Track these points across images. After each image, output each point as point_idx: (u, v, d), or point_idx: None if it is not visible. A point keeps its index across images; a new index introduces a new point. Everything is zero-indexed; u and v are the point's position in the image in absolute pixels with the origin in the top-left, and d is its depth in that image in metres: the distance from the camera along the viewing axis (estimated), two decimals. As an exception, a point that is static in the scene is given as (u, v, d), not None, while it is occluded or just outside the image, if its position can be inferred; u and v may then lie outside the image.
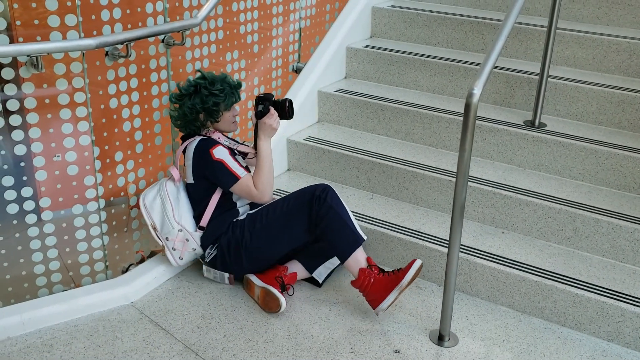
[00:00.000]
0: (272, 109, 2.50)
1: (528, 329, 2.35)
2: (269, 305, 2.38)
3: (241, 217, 2.50)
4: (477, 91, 1.95)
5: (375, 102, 3.32)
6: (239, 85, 2.55)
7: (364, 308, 2.44)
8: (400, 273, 2.30)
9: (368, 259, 2.37)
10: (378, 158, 3.05)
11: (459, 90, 3.37)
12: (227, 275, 2.53)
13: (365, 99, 3.35)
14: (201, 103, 2.48)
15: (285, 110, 2.54)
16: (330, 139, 3.28)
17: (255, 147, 2.54)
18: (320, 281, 2.55)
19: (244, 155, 2.64)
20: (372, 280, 2.30)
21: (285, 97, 3.10)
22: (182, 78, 2.77)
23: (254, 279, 2.47)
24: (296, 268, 2.52)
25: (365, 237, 2.38)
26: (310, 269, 2.53)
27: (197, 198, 2.53)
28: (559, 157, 2.87)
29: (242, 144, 2.67)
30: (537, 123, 2.98)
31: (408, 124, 3.24)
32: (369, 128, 3.38)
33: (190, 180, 2.51)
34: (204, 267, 2.57)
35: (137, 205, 2.58)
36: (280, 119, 2.54)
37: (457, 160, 2.03)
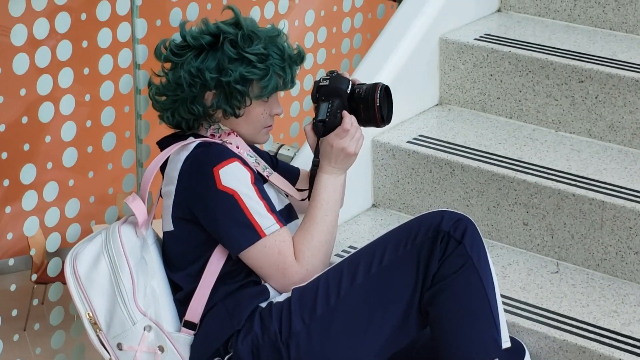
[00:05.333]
0: (346, 115, 2.05)
1: None
2: None
3: (279, 299, 2.08)
4: None
5: (565, 62, 2.61)
6: (299, 57, 2.17)
7: None
8: None
9: None
10: (570, 183, 2.38)
11: None
12: None
13: (542, 55, 2.66)
14: (217, 71, 2.08)
15: (375, 109, 2.07)
16: (466, 143, 2.63)
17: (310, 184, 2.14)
18: None
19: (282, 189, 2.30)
20: None
21: (373, 77, 2.64)
22: (162, 35, 2.32)
23: None
24: None
25: (509, 345, 2.04)
26: None
27: (181, 261, 2.13)
28: None
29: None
30: None
31: (635, 112, 2.53)
32: (549, 119, 2.69)
33: (169, 226, 2.09)
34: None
35: (62, 277, 2.18)
36: (365, 125, 2.09)
37: None
